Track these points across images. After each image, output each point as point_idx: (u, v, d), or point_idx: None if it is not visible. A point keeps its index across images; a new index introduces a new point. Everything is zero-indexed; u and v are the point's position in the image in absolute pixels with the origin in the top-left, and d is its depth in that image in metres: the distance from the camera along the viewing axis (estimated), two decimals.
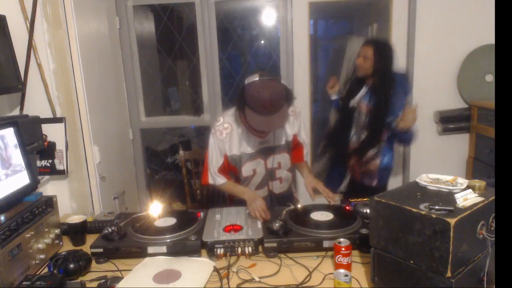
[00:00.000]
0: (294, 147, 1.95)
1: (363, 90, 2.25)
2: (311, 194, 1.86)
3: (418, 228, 1.05)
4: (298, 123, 1.91)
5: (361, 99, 2.25)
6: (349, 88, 2.36)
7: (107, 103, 2.53)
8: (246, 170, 1.87)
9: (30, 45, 1.90)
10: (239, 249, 1.49)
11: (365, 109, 2.21)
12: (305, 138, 1.97)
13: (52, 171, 2.01)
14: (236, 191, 1.87)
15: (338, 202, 1.83)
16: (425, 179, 1.27)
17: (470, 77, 2.74)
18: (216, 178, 1.86)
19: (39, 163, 1.99)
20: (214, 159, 1.84)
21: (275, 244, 1.48)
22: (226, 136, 1.80)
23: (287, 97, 1.66)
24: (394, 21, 2.79)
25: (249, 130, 1.76)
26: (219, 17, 2.91)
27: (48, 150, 1.99)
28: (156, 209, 1.72)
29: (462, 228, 1.01)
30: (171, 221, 1.67)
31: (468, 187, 1.17)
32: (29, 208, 1.43)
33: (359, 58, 2.21)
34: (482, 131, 2.69)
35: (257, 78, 1.62)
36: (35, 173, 1.70)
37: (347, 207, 1.77)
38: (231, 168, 1.89)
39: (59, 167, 2.01)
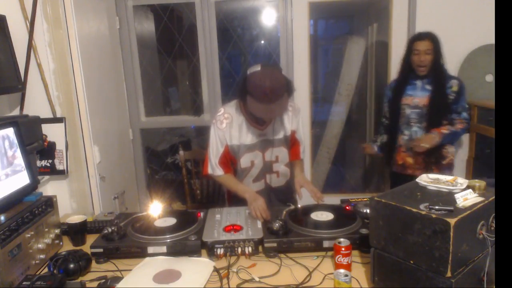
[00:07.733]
0: (291, 144, 1.96)
1: (419, 85, 2.31)
2: (299, 193, 1.89)
3: (418, 228, 1.05)
4: (297, 119, 1.93)
5: (415, 94, 2.32)
6: (400, 86, 2.38)
7: (107, 103, 2.53)
8: (244, 161, 1.88)
9: (30, 45, 1.90)
10: (239, 249, 1.48)
11: (423, 102, 2.29)
12: (302, 135, 1.99)
13: (52, 171, 2.01)
14: (238, 189, 1.87)
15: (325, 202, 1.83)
16: (425, 179, 1.27)
17: (470, 77, 2.74)
18: (215, 169, 1.87)
19: (39, 163, 1.99)
20: (215, 149, 1.86)
21: (275, 244, 1.48)
22: (226, 125, 1.82)
23: (287, 87, 1.70)
24: (394, 21, 2.79)
25: (249, 121, 1.79)
26: (219, 17, 2.91)
27: (48, 150, 1.99)
28: (156, 209, 1.72)
29: (462, 228, 1.01)
30: (171, 221, 1.67)
31: (468, 187, 1.17)
32: (29, 208, 1.43)
33: (415, 55, 2.24)
34: (482, 131, 2.69)
35: (259, 68, 1.66)
36: (35, 173, 1.70)
37: (347, 207, 1.77)
38: (231, 159, 1.90)
39: (59, 167, 2.01)
